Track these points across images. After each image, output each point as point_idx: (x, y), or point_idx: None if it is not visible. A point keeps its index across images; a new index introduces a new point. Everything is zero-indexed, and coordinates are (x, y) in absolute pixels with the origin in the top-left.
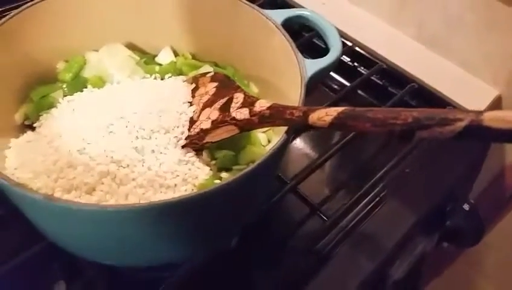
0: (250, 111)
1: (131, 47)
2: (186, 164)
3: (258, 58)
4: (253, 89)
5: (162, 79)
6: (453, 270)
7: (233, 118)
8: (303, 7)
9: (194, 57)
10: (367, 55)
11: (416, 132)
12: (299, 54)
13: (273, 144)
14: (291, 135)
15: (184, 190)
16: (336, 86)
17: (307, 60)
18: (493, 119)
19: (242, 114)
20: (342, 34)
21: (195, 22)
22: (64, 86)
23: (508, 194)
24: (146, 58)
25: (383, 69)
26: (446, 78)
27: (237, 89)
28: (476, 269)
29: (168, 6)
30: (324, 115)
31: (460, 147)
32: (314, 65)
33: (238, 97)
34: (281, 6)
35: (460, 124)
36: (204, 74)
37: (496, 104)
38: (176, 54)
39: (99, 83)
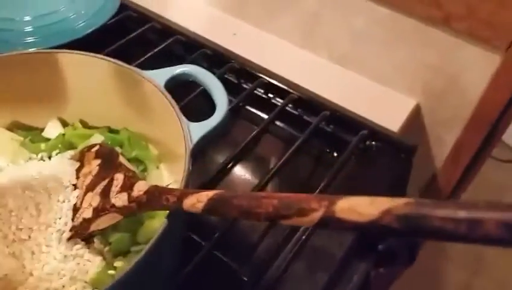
0: (129, 196)
1: (16, 125)
2: (73, 259)
3: (150, 120)
4: (153, 151)
5: (49, 157)
6: (420, 257)
7: (113, 205)
8: (212, 43)
9: (85, 125)
10: (280, 85)
11: (279, 220)
12: (183, 119)
13: None
14: (175, 220)
15: None
16: (256, 119)
17: (192, 123)
18: (345, 210)
19: (121, 200)
20: (254, 66)
21: (80, 89)
22: None
23: (444, 197)
24: (31, 135)
25: (297, 98)
26: (362, 96)
27: (118, 168)
28: (442, 255)
29: (49, 76)
30: (196, 201)
31: (384, 162)
32: (200, 128)
33: (118, 179)
34: (189, 46)
35: (316, 215)
36: (90, 148)
37: (416, 113)
38: (65, 124)
39: None
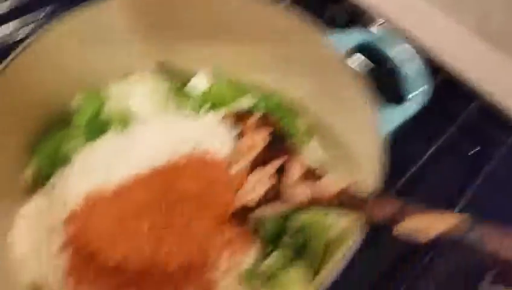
0: (313, 191)
1: (160, 70)
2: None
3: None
4: (303, 121)
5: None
6: None
7: (290, 195)
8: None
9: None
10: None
11: None
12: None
13: None
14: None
15: None
16: None
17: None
18: None
19: (301, 193)
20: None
21: (240, 36)
22: (79, 132)
23: None
24: (176, 86)
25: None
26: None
27: (291, 150)
28: None
29: (211, 15)
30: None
31: None
32: (397, 114)
33: (295, 166)
34: None
35: None
36: (248, 114)
37: None
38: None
39: (122, 124)
